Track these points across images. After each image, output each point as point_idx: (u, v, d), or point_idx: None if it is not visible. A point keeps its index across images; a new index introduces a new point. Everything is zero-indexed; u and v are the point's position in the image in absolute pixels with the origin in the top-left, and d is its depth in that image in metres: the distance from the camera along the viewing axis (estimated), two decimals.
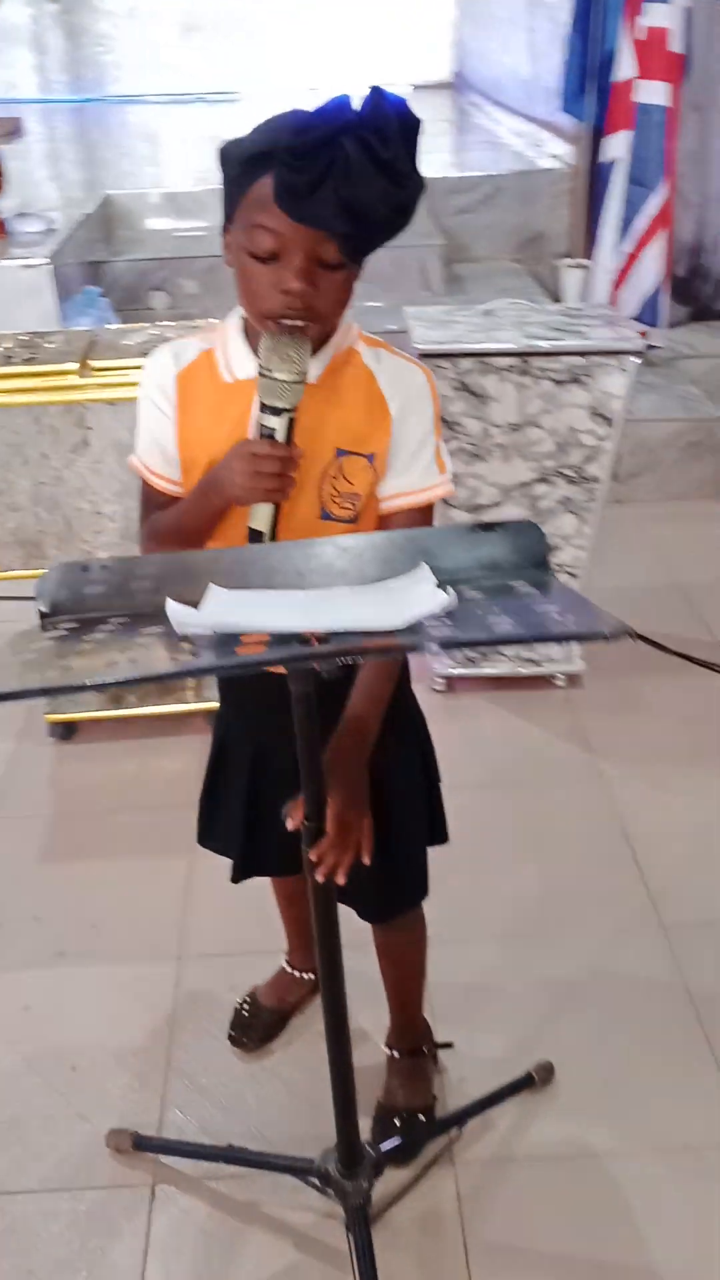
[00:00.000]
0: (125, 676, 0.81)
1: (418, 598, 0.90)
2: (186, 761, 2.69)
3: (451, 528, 1.12)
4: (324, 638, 0.85)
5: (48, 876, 2.39)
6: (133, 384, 2.23)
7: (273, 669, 1.29)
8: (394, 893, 1.64)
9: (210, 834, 1.73)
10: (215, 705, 2.72)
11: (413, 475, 1.34)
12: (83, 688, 0.80)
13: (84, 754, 2.75)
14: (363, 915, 1.66)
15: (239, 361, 1.30)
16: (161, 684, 2.79)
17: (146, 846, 2.44)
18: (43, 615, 1.14)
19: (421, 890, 1.67)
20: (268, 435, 1.21)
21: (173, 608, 0.89)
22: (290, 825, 1.24)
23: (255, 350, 1.27)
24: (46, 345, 2.35)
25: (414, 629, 0.82)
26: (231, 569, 1.12)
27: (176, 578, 1.10)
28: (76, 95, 7.96)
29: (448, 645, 0.78)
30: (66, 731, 2.78)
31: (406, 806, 1.58)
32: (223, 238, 1.25)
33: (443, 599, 0.88)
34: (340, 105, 1.09)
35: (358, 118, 1.08)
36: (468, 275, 4.87)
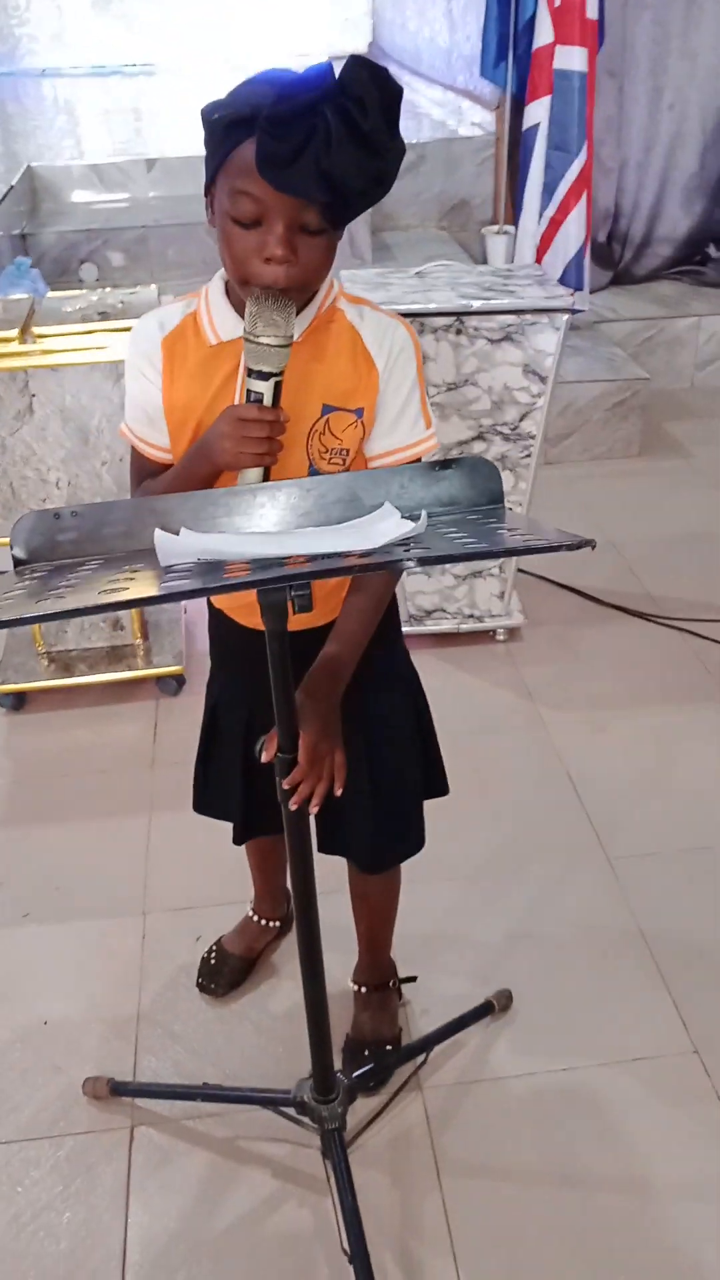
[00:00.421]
0: (122, 599, 0.85)
1: (388, 526, 0.96)
2: (140, 727, 2.73)
3: (411, 466, 1.17)
4: (305, 561, 0.90)
5: (8, 841, 2.41)
6: (75, 349, 2.28)
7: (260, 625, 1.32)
8: (388, 843, 1.70)
9: (206, 801, 1.78)
10: (165, 670, 2.79)
11: (400, 432, 1.37)
12: (83, 611, 0.84)
13: (36, 723, 2.77)
14: (359, 865, 1.73)
15: (222, 323, 1.32)
16: (114, 652, 2.83)
17: (105, 809, 2.48)
18: (17, 562, 1.18)
19: (417, 841, 1.72)
20: (255, 400, 1.22)
21: (159, 537, 0.93)
22: (265, 758, 1.29)
23: (238, 311, 1.29)
24: None
25: (389, 549, 0.88)
26: (200, 511, 1.17)
27: (147, 521, 1.14)
28: None
29: (424, 562, 0.84)
30: (17, 702, 2.79)
31: (400, 757, 1.64)
32: (205, 198, 1.25)
33: (412, 525, 0.94)
34: (322, 73, 1.10)
35: (339, 86, 1.09)
36: (395, 243, 4.92)
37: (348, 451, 1.36)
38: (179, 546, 0.93)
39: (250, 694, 1.59)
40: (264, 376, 1.21)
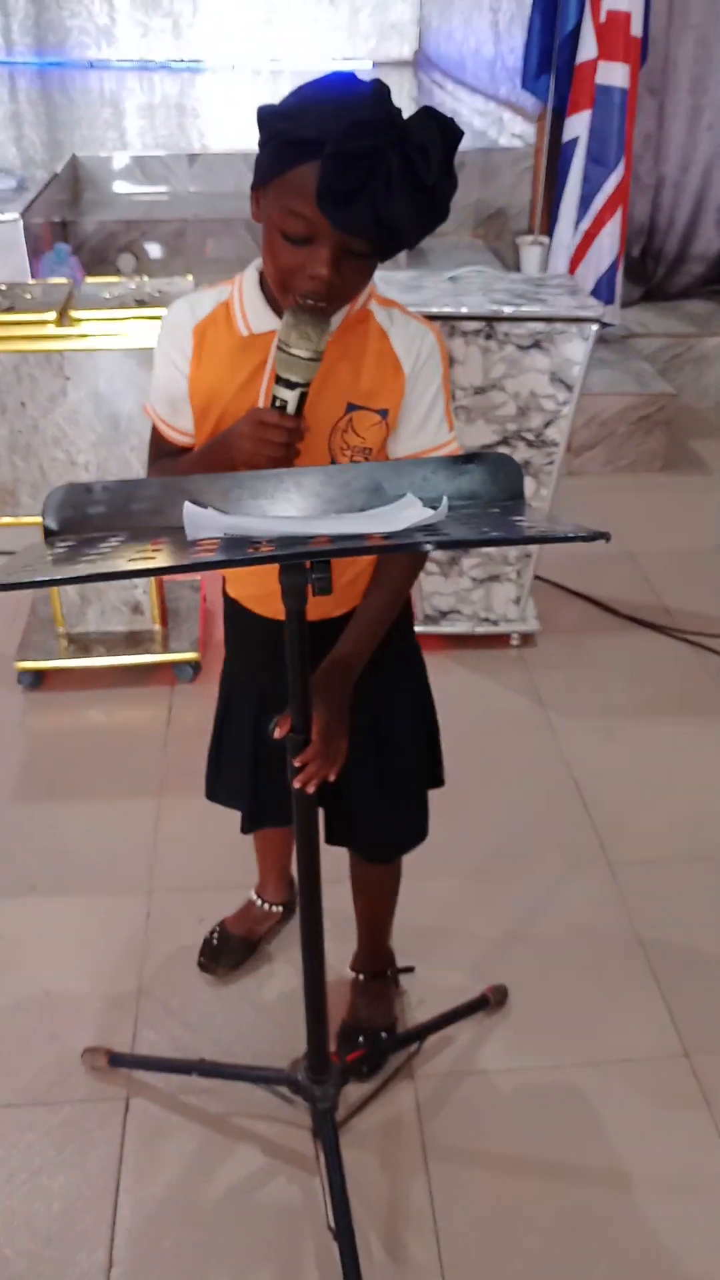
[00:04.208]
0: (148, 567, 0.88)
1: (410, 514, 0.99)
2: (154, 711, 2.76)
3: (434, 460, 1.20)
4: (328, 541, 0.93)
5: (18, 815, 2.45)
6: (111, 335, 2.32)
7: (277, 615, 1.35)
8: (396, 834, 1.74)
9: (218, 788, 1.81)
10: (182, 656, 2.82)
11: (426, 434, 1.40)
12: (110, 576, 0.87)
13: (52, 702, 2.81)
14: (363, 855, 1.76)
15: (255, 315, 1.34)
16: (133, 637, 2.87)
17: (115, 789, 2.51)
18: (48, 532, 1.21)
19: (421, 832, 1.76)
20: (279, 407, 1.25)
21: (189, 510, 0.97)
22: (277, 734, 1.32)
23: (271, 305, 1.32)
24: (25, 296, 2.39)
25: (408, 533, 0.91)
26: (228, 492, 1.20)
27: (175, 499, 1.18)
28: (40, 58, 7.89)
29: (441, 546, 0.87)
30: (35, 680, 2.83)
31: (407, 750, 1.67)
32: (251, 193, 1.27)
33: (433, 512, 0.97)
34: (390, 116, 1.13)
35: (405, 133, 1.12)
36: (430, 248, 4.95)
37: (370, 450, 1.39)
38: (207, 521, 0.97)
39: (263, 684, 1.63)
40: (291, 385, 1.24)
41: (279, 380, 1.25)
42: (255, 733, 1.66)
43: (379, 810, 1.68)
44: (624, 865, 2.30)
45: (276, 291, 1.28)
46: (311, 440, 1.31)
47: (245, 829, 1.82)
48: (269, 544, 0.96)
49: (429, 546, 0.89)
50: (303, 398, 1.25)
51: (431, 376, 1.39)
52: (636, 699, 2.83)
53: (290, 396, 1.25)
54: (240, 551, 0.92)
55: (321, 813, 1.69)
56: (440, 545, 0.88)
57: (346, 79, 1.17)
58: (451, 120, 1.15)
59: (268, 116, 1.21)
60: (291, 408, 1.25)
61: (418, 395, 1.38)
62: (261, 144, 1.22)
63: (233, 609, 1.64)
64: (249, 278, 1.36)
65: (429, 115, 1.13)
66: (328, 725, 1.34)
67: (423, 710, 1.71)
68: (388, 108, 1.14)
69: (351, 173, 1.11)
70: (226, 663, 1.74)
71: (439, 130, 1.13)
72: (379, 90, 1.16)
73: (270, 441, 1.24)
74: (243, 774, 1.73)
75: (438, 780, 1.78)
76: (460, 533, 0.92)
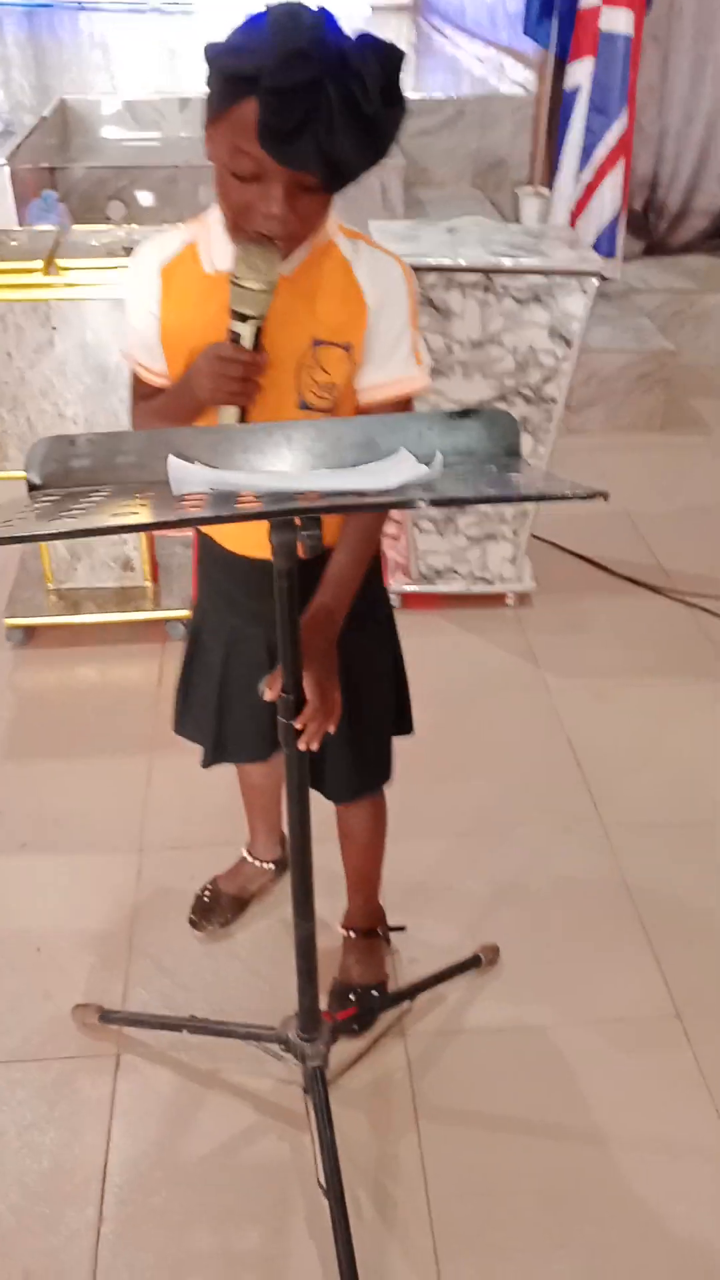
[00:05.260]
0: (133, 522, 0.86)
1: (404, 469, 0.96)
2: (145, 668, 2.74)
3: (429, 414, 1.17)
4: (318, 497, 0.91)
5: (9, 774, 2.43)
6: (99, 284, 2.26)
7: (257, 554, 1.34)
8: (360, 774, 1.72)
9: (185, 722, 1.79)
10: (173, 614, 2.80)
11: (391, 367, 1.38)
12: (94, 531, 0.85)
13: (42, 659, 2.79)
14: (329, 796, 1.75)
15: (221, 254, 1.32)
16: (123, 593, 2.84)
17: (107, 747, 2.50)
18: (32, 486, 1.18)
19: (385, 773, 1.75)
20: (235, 341, 1.25)
21: (174, 464, 0.94)
22: (269, 696, 1.30)
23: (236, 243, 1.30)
24: (10, 243, 2.34)
25: (403, 489, 0.88)
26: (216, 446, 1.17)
27: (161, 453, 1.15)
28: (28, 0, 7.70)
29: (435, 502, 0.84)
30: (25, 637, 2.81)
31: (372, 693, 1.65)
32: (205, 130, 1.24)
33: (427, 469, 0.94)
34: (325, 42, 1.09)
35: (343, 61, 1.08)
36: (428, 199, 4.87)
37: (336, 386, 1.37)
38: (192, 475, 0.94)
39: (232, 621, 1.62)
40: (244, 319, 1.24)
41: (233, 314, 1.25)
42: (222, 669, 1.65)
43: (348, 754, 1.67)
44: (617, 826, 2.29)
45: (230, 229, 1.27)
46: (277, 378, 1.30)
47: (206, 763, 1.81)
48: (257, 499, 0.94)
49: (423, 503, 0.86)
50: (258, 331, 1.25)
51: (398, 309, 1.36)
52: (632, 660, 2.81)
53: (245, 330, 1.25)
54: (228, 507, 0.89)
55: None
56: (435, 502, 0.85)
57: (288, 9, 1.13)
58: (391, 45, 1.11)
59: (212, 53, 1.18)
60: (246, 341, 1.25)
61: (383, 328, 1.36)
62: (208, 80, 1.20)
63: (204, 544, 1.62)
64: (214, 217, 1.34)
65: (365, 42, 1.11)
66: (320, 682, 1.32)
67: (390, 656, 1.70)
68: (329, 37, 1.10)
69: (290, 108, 1.09)
70: (197, 595, 1.72)
71: (374, 56, 1.10)
72: (321, 18, 1.12)
73: (227, 376, 1.24)
74: (208, 709, 1.71)
75: (406, 727, 1.76)
76: (456, 490, 0.90)
